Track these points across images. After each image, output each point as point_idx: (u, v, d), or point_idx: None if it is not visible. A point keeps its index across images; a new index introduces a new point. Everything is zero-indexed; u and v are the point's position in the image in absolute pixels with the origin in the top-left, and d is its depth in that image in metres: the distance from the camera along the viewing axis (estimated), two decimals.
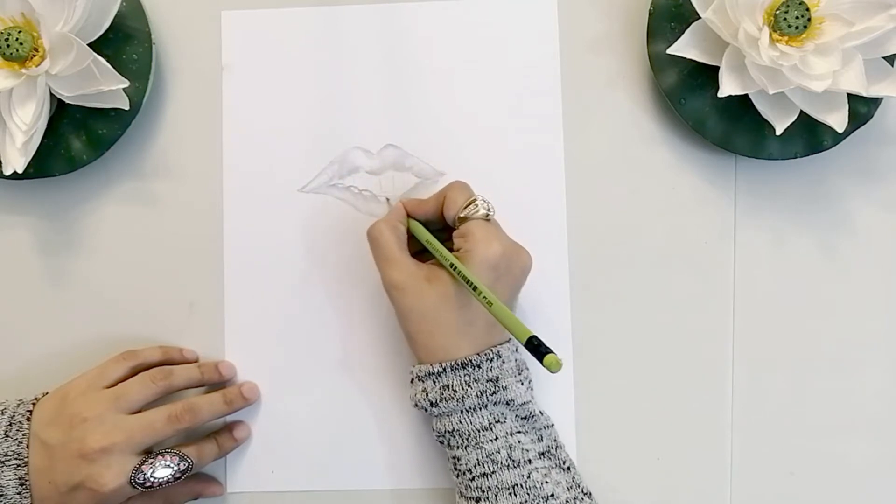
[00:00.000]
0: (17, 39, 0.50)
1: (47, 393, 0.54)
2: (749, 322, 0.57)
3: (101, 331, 0.58)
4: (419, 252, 0.54)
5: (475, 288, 0.48)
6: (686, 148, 0.58)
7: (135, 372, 0.55)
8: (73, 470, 0.50)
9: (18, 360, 0.59)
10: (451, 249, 0.52)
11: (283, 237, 0.58)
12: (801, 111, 0.52)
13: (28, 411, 0.52)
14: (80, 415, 0.51)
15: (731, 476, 0.57)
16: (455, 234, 0.52)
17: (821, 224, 0.58)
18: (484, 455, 0.50)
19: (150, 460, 0.51)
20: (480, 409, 0.50)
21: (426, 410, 0.51)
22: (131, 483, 0.50)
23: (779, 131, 0.52)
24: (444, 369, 0.50)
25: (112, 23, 0.54)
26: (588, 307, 0.57)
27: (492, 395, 0.50)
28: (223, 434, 0.56)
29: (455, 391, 0.50)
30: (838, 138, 0.55)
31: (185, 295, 0.58)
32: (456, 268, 0.49)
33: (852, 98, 0.51)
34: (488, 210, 0.52)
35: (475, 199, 0.52)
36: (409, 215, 0.54)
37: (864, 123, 0.54)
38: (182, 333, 0.58)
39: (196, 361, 0.58)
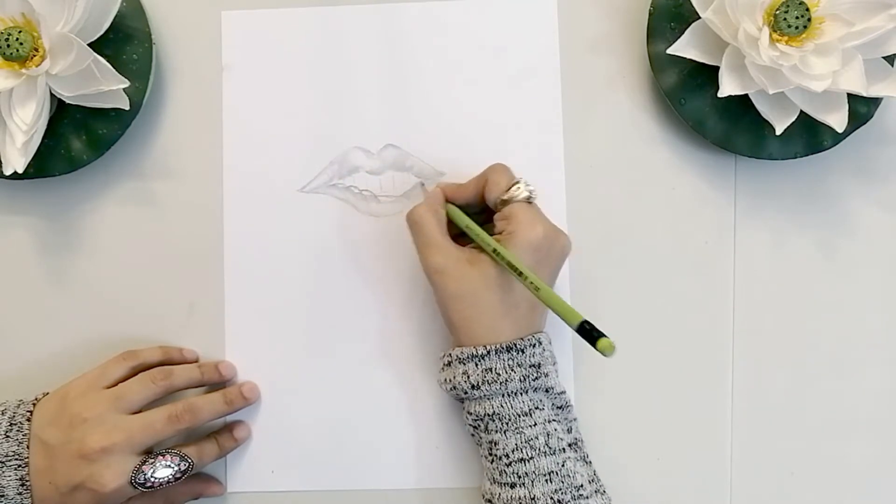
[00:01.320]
0: (17, 39, 0.50)
1: (48, 393, 0.54)
2: (749, 322, 0.57)
3: (101, 331, 0.58)
4: (456, 236, 0.53)
5: (521, 273, 0.48)
6: (686, 148, 0.58)
7: (135, 372, 0.55)
8: (74, 470, 0.50)
9: (18, 360, 0.59)
10: (489, 233, 0.51)
11: (283, 237, 0.58)
12: (801, 111, 0.52)
13: (28, 412, 0.52)
14: (81, 415, 0.51)
15: (732, 476, 0.57)
16: (497, 216, 0.52)
17: (821, 224, 0.58)
18: (523, 440, 0.49)
19: (151, 460, 0.51)
20: (522, 394, 0.50)
21: (465, 393, 0.51)
22: (132, 483, 0.50)
23: (779, 131, 0.52)
24: (489, 352, 0.50)
25: (112, 23, 0.54)
26: (588, 307, 0.57)
27: (534, 380, 0.50)
28: (223, 434, 0.56)
29: (499, 374, 0.50)
30: (838, 138, 0.55)
31: (185, 295, 0.58)
32: (499, 253, 0.49)
33: (852, 98, 0.51)
34: (531, 192, 0.52)
35: (518, 182, 0.52)
36: (447, 200, 0.54)
37: (864, 123, 0.54)
38: (182, 333, 0.58)
39: (196, 361, 0.58)
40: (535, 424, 0.50)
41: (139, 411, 0.53)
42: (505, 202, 0.52)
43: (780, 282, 0.57)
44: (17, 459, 0.50)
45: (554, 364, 0.52)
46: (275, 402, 0.58)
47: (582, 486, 0.50)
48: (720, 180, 0.58)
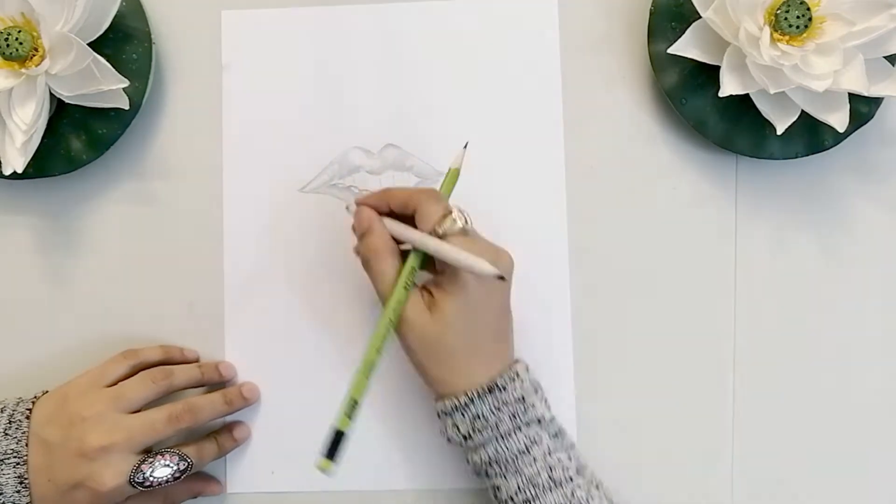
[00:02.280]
0: (16, 39, 0.50)
1: (47, 391, 0.54)
2: (750, 322, 0.57)
3: (101, 331, 0.58)
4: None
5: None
6: (687, 148, 0.58)
7: (135, 371, 0.55)
8: (73, 469, 0.50)
9: (18, 359, 0.59)
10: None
11: (283, 237, 0.58)
12: (802, 111, 0.52)
13: (28, 409, 0.52)
14: (80, 413, 0.51)
15: (732, 476, 0.57)
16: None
17: (822, 224, 0.57)
18: (524, 480, 0.48)
19: (150, 460, 0.51)
20: (515, 432, 0.48)
21: (461, 445, 0.49)
22: (131, 482, 0.50)
23: (780, 131, 0.52)
24: (472, 399, 0.48)
25: (112, 22, 0.54)
26: (588, 307, 0.57)
27: (524, 415, 0.48)
28: (223, 434, 0.56)
29: (487, 419, 0.48)
30: (839, 138, 0.55)
31: (185, 295, 0.58)
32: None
33: (853, 98, 0.51)
34: (466, 222, 0.49)
35: (450, 213, 0.48)
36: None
37: (866, 123, 0.54)
38: (182, 333, 0.58)
39: (197, 361, 0.58)
40: (535, 461, 0.48)
41: (139, 410, 0.53)
42: (439, 235, 0.48)
43: (780, 281, 0.57)
44: (15, 457, 0.50)
45: (537, 392, 0.50)
46: (275, 403, 0.58)
47: None
48: (721, 180, 0.58)
